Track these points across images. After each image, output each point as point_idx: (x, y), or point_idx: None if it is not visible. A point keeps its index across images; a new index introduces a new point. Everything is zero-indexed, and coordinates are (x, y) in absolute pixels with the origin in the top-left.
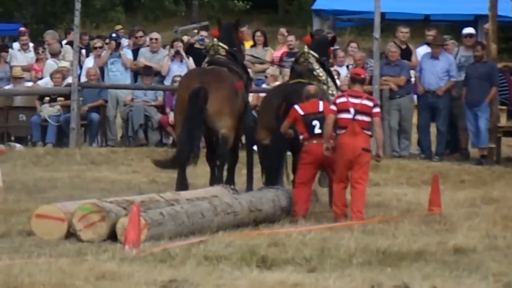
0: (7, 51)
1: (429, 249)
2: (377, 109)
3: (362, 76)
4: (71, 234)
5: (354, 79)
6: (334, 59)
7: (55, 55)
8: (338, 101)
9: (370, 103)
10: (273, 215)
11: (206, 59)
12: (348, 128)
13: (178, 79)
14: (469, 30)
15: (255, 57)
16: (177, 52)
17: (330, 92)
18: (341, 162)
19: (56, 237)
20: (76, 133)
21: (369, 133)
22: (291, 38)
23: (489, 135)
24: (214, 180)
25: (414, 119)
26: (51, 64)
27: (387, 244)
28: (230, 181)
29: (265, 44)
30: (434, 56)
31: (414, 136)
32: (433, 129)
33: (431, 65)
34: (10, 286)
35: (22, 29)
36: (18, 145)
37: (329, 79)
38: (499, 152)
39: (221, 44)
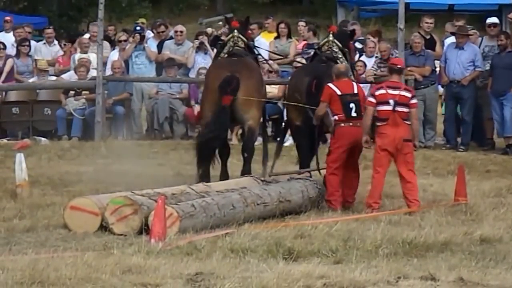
0: (29, 45)
1: (455, 239)
2: (414, 100)
3: (400, 66)
4: (101, 227)
5: (392, 69)
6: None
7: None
8: (377, 93)
9: (409, 94)
10: (301, 205)
11: (225, 50)
12: (389, 120)
13: (203, 71)
14: (493, 19)
15: (274, 53)
16: (202, 44)
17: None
18: (383, 153)
19: (89, 231)
20: (101, 127)
21: (409, 123)
22: (309, 34)
23: None
24: (243, 172)
25: (439, 109)
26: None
27: (413, 235)
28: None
29: (289, 36)
30: (459, 46)
31: (440, 126)
32: (458, 119)
33: (456, 55)
34: (35, 281)
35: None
36: (43, 139)
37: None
38: None
39: (241, 36)
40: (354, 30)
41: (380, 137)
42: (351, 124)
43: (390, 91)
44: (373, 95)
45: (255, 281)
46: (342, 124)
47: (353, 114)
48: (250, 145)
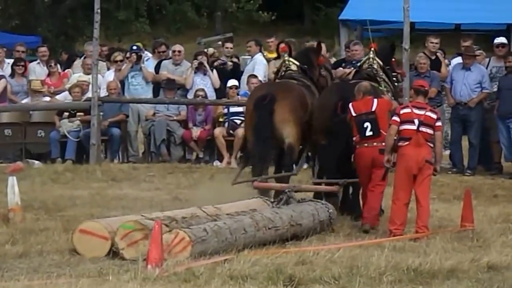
0: (24, 65)
1: (461, 266)
2: (439, 123)
3: (426, 88)
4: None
5: (418, 91)
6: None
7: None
8: (402, 112)
9: (434, 116)
10: (312, 229)
11: (279, 75)
12: (412, 140)
13: (201, 93)
14: (501, 39)
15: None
16: (201, 64)
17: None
18: (405, 174)
19: (98, 255)
20: (96, 149)
21: (431, 145)
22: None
23: None
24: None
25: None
26: (77, 76)
27: (418, 262)
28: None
29: (290, 56)
30: (466, 67)
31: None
32: (465, 142)
33: (462, 76)
34: None
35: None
36: (36, 162)
37: (389, 87)
38: None
39: (292, 59)
40: (393, 45)
41: (402, 158)
42: (366, 144)
43: (416, 111)
44: (397, 114)
45: None
46: (358, 146)
47: (368, 133)
48: (288, 163)
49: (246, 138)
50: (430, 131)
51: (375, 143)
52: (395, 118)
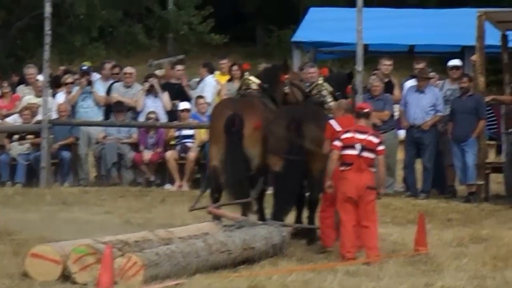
0: None
1: None
2: (382, 147)
3: (367, 110)
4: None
5: (359, 114)
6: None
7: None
8: (343, 136)
9: (376, 140)
10: (265, 253)
11: (238, 94)
12: (353, 165)
13: (152, 115)
14: (455, 62)
15: None
16: (152, 87)
17: None
18: (345, 199)
19: (50, 279)
20: (46, 172)
21: (373, 170)
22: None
23: (477, 171)
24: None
25: (400, 155)
26: (28, 99)
27: (372, 286)
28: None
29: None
30: (419, 90)
31: (399, 173)
32: (418, 165)
33: (416, 99)
34: None
35: None
36: None
37: None
38: (488, 189)
39: (252, 78)
40: (351, 73)
41: (343, 183)
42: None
43: (357, 135)
44: (339, 139)
45: None
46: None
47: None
48: (259, 189)
49: (210, 156)
50: (372, 155)
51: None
52: (337, 142)
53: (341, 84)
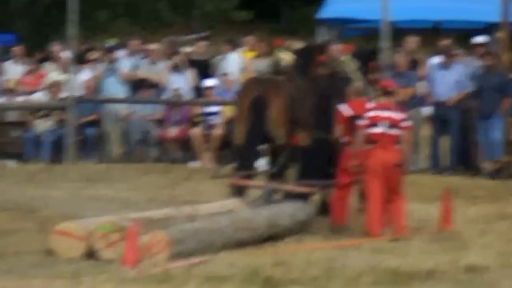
0: None
1: (440, 268)
2: (407, 123)
3: (392, 88)
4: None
5: (384, 92)
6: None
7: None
8: (369, 114)
9: (401, 116)
10: (290, 230)
11: (269, 70)
12: (379, 143)
13: (177, 92)
14: (480, 38)
15: None
16: (177, 64)
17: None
18: (374, 178)
19: (74, 256)
20: (71, 149)
21: (399, 147)
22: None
23: (503, 148)
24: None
25: (425, 132)
26: (53, 76)
27: (397, 263)
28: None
29: (269, 55)
30: (445, 66)
31: (424, 150)
32: (443, 142)
33: (441, 76)
34: None
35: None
36: (11, 162)
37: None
38: None
39: (285, 55)
40: (374, 50)
41: (370, 161)
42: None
43: (382, 113)
44: (364, 117)
45: None
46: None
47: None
48: (281, 163)
49: (235, 134)
50: (397, 132)
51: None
52: (363, 121)
53: (364, 61)
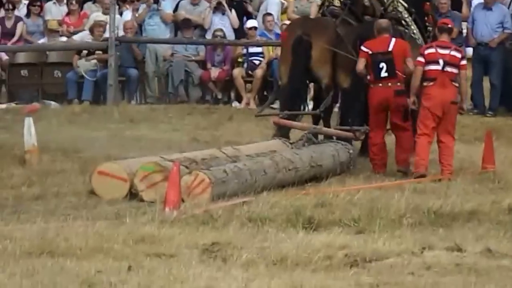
0: (40, 5)
1: (482, 209)
2: (464, 61)
3: (450, 26)
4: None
5: (442, 29)
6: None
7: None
8: (426, 52)
9: (459, 55)
10: (332, 170)
11: (320, 10)
12: (437, 80)
13: (219, 33)
14: None
15: None
16: (219, 4)
17: (417, 39)
18: (429, 114)
19: (117, 197)
20: (113, 90)
21: (456, 85)
22: None
23: None
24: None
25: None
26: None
27: (439, 204)
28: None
29: None
30: (487, 7)
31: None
32: (486, 83)
33: (484, 16)
34: (45, 251)
35: None
36: (53, 103)
37: (417, 31)
38: None
39: None
40: None
41: (427, 98)
42: (380, 85)
43: (440, 51)
44: (422, 55)
45: (274, 252)
46: (372, 86)
47: (383, 74)
48: (327, 104)
49: (279, 74)
50: (455, 70)
51: (390, 84)
52: (420, 58)
53: (418, 1)
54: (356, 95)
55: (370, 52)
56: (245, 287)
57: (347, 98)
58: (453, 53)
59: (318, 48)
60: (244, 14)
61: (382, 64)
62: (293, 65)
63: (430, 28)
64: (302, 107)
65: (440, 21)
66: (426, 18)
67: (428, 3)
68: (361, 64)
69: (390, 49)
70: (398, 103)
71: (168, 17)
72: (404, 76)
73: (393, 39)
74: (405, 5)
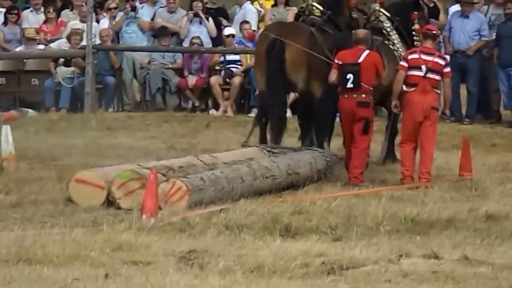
0: (17, 13)
1: (459, 216)
2: (448, 69)
3: (434, 32)
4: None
5: (426, 35)
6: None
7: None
8: (409, 57)
9: (442, 62)
10: (310, 178)
11: (300, 19)
12: (418, 86)
13: (196, 41)
14: None
15: None
16: (196, 14)
17: (395, 51)
18: (410, 120)
19: (94, 204)
20: (91, 98)
21: (438, 91)
22: None
23: None
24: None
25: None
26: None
27: (416, 211)
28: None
29: (286, 4)
30: (464, 15)
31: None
32: (463, 90)
33: (461, 24)
34: (22, 258)
35: None
36: (30, 111)
37: (398, 40)
38: None
39: (315, 4)
40: (418, 1)
41: (408, 104)
42: (346, 96)
43: (424, 56)
44: (405, 59)
45: (251, 259)
46: (340, 96)
47: (349, 85)
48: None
49: (256, 81)
50: (437, 77)
51: (354, 95)
52: (403, 63)
53: (405, 11)
54: (328, 104)
55: (340, 63)
56: None
57: (318, 108)
58: (437, 59)
59: (293, 51)
60: (221, 22)
61: (349, 75)
62: (269, 69)
63: (416, 38)
64: (282, 112)
65: (425, 27)
66: (413, 27)
67: (415, 13)
68: (332, 75)
69: (359, 60)
70: (359, 114)
71: (145, 25)
72: (371, 88)
73: (366, 51)
74: (387, 14)
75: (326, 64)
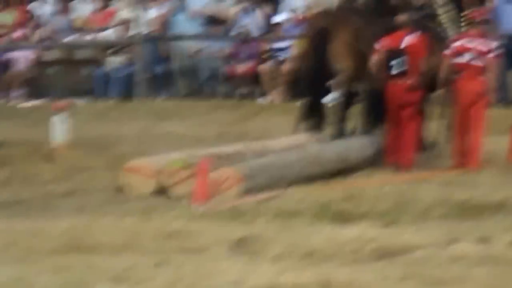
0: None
1: (510, 200)
2: (493, 54)
3: (479, 18)
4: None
5: (471, 22)
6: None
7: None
8: (454, 44)
9: (487, 48)
10: (359, 165)
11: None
12: (464, 73)
13: (245, 28)
14: None
15: None
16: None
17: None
18: (458, 107)
19: (145, 193)
20: (141, 86)
21: (485, 77)
22: None
23: None
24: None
25: None
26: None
27: (467, 196)
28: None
29: None
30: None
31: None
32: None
33: (509, 8)
34: (73, 247)
35: None
36: (81, 100)
37: (449, 25)
38: None
39: None
40: None
41: (456, 92)
42: (392, 81)
43: (468, 44)
44: (450, 47)
45: (302, 245)
46: (386, 82)
47: (394, 71)
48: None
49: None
50: (482, 63)
51: (401, 81)
52: (447, 51)
53: None
54: (376, 91)
55: (382, 49)
56: (274, 281)
57: (368, 95)
58: (481, 46)
59: (339, 40)
60: (271, 9)
61: (393, 61)
62: (316, 58)
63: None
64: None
65: (471, 12)
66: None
67: None
68: (375, 61)
69: (402, 45)
70: (407, 100)
71: (195, 13)
72: (417, 73)
73: (409, 36)
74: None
75: (372, 53)
